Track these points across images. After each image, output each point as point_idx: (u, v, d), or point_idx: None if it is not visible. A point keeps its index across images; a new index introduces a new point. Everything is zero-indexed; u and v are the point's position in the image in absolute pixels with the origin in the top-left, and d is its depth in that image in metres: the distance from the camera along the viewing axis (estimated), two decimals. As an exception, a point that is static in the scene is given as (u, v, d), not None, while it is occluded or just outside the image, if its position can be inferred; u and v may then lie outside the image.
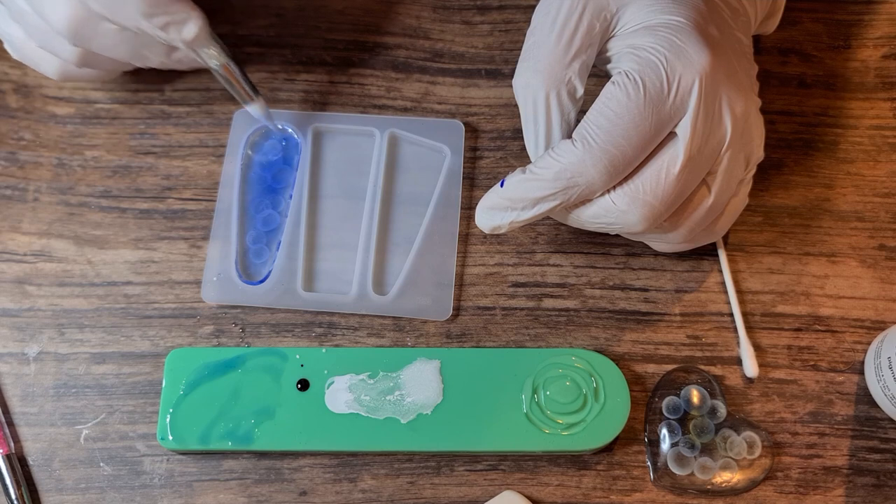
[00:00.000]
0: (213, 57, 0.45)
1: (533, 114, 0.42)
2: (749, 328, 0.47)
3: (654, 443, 0.45)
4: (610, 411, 0.44)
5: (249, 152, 0.51)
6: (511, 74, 0.52)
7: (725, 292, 0.48)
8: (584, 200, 0.41)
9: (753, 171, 0.44)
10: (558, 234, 0.49)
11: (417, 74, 0.53)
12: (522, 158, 0.50)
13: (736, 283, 0.48)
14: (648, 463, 0.45)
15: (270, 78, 0.53)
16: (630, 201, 0.40)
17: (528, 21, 0.43)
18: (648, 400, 0.46)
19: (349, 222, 0.49)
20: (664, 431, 0.45)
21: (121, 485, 0.45)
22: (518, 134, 0.51)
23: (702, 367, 0.47)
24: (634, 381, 0.47)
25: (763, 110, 0.44)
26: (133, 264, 0.49)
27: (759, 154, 0.43)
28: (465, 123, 0.51)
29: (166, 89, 0.53)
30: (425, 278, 0.48)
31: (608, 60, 0.42)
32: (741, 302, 0.48)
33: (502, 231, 0.42)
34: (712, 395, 0.45)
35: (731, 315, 0.48)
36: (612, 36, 0.42)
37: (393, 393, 0.45)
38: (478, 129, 0.52)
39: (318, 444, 0.44)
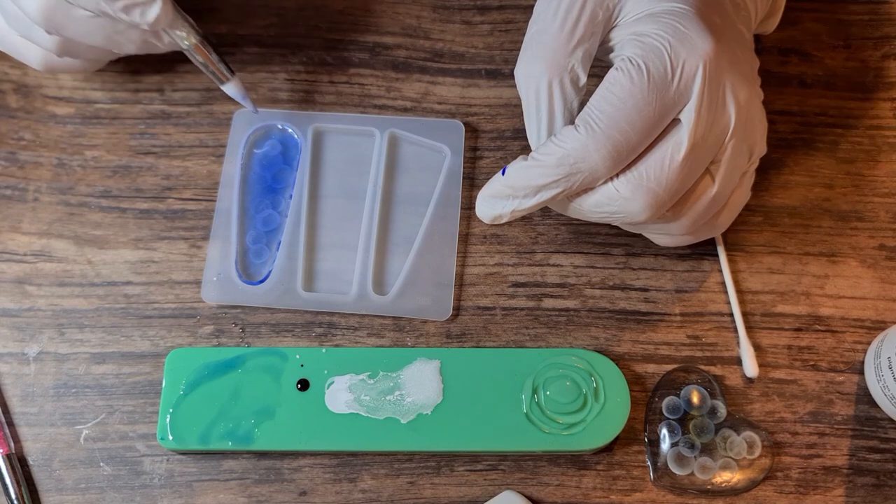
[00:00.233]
0: (183, 38, 0.45)
1: (535, 102, 0.42)
2: (749, 328, 0.47)
3: (654, 443, 0.45)
4: (610, 411, 0.44)
5: (250, 152, 0.51)
6: (511, 74, 0.52)
7: (725, 292, 0.48)
8: (586, 189, 0.41)
9: (756, 164, 0.44)
10: (558, 234, 0.49)
11: (417, 74, 0.53)
12: (522, 158, 0.50)
13: (736, 283, 0.48)
14: (648, 463, 0.45)
15: (270, 78, 0.53)
16: (633, 188, 0.40)
17: (528, 21, 0.43)
18: (648, 400, 0.46)
19: (349, 222, 0.49)
20: (664, 431, 0.45)
21: (121, 485, 0.45)
22: (518, 134, 0.51)
23: (702, 367, 0.47)
24: (634, 381, 0.46)
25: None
26: (133, 264, 0.49)
27: (761, 147, 0.43)
28: (465, 123, 0.51)
29: (166, 89, 0.53)
30: (425, 278, 0.48)
31: (611, 50, 0.42)
32: (741, 302, 0.48)
33: (503, 221, 0.42)
34: (712, 395, 0.45)
35: (731, 315, 0.48)
36: (615, 25, 0.42)
37: (393, 393, 0.45)
38: (478, 129, 0.52)
39: (318, 444, 0.44)
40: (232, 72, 0.47)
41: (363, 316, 0.48)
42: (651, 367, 0.47)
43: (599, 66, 0.42)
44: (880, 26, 0.54)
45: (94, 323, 0.48)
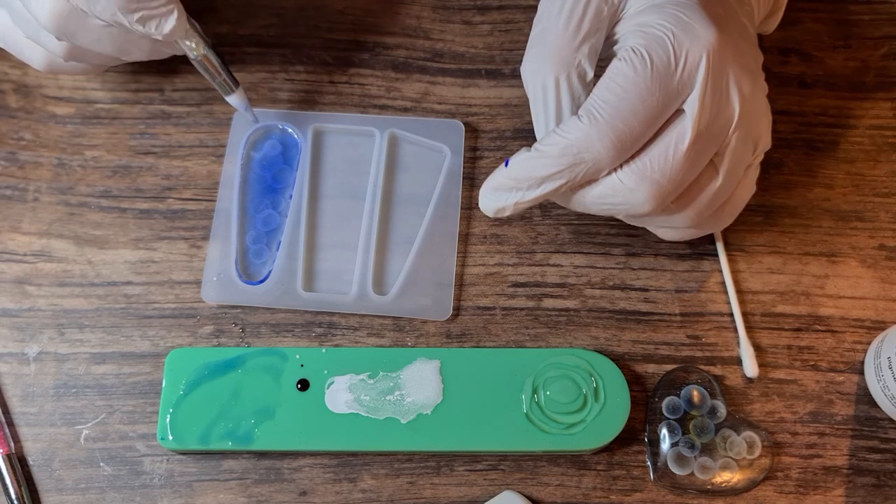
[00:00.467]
0: (192, 49, 0.45)
1: (542, 99, 0.41)
2: (749, 328, 0.47)
3: (654, 443, 0.45)
4: (610, 411, 0.44)
5: (249, 152, 0.51)
6: (511, 74, 0.52)
7: (725, 292, 0.48)
8: (589, 180, 0.41)
9: (761, 157, 0.44)
10: (558, 234, 0.49)
11: (417, 74, 0.53)
12: (522, 158, 0.50)
13: (736, 283, 0.48)
14: (648, 463, 0.45)
15: (270, 78, 0.53)
16: (638, 179, 0.40)
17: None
18: (648, 400, 0.46)
19: (349, 222, 0.49)
20: (664, 431, 0.45)
21: (121, 485, 0.45)
22: (518, 134, 0.51)
23: (702, 367, 0.47)
24: (634, 381, 0.46)
25: (764, 109, 0.44)
26: (133, 264, 0.49)
27: (766, 141, 0.43)
28: (465, 123, 0.51)
29: (166, 89, 0.53)
30: (425, 278, 0.48)
31: (616, 43, 0.42)
32: (741, 302, 0.48)
33: (506, 214, 0.42)
34: (712, 395, 0.45)
35: (731, 315, 0.48)
36: (620, 19, 0.42)
37: (393, 393, 0.45)
38: (478, 129, 0.52)
39: (318, 444, 0.44)
40: (237, 83, 0.48)
41: (363, 316, 0.48)
42: (651, 367, 0.47)
43: (604, 66, 0.42)
44: (881, 26, 0.54)
45: (94, 323, 0.48)
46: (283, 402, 0.45)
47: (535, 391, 0.45)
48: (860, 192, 0.50)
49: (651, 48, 0.39)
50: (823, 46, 0.53)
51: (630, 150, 0.40)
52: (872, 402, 0.46)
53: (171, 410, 0.45)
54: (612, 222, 0.49)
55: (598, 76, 0.41)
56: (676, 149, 0.40)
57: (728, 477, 0.44)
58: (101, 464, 0.45)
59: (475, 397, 0.45)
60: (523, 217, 0.50)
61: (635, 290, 0.48)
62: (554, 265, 0.49)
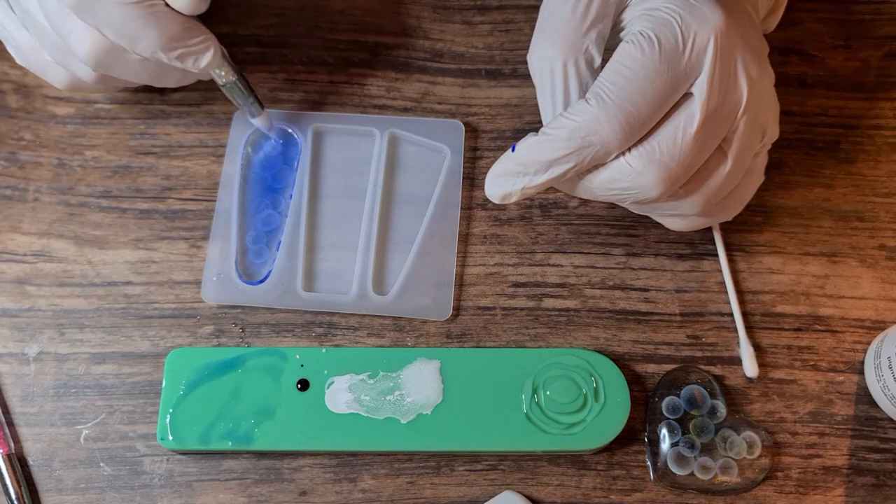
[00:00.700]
0: (222, 76, 0.46)
1: (550, 84, 0.41)
2: (749, 328, 0.47)
3: (654, 443, 0.45)
4: (610, 411, 0.44)
5: (249, 152, 0.51)
6: (511, 74, 0.52)
7: (725, 292, 0.48)
8: (597, 165, 0.40)
9: (769, 145, 0.44)
10: (558, 234, 0.49)
11: (417, 74, 0.53)
12: (522, 158, 0.50)
13: (736, 283, 0.48)
14: (648, 463, 0.45)
15: (270, 78, 0.53)
16: (646, 162, 0.39)
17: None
18: (648, 400, 0.46)
19: (349, 222, 0.49)
20: (664, 431, 0.45)
21: (121, 485, 0.45)
22: (518, 134, 0.51)
23: (702, 367, 0.47)
24: (634, 381, 0.46)
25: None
26: (133, 264, 0.49)
27: (774, 129, 0.43)
28: (465, 123, 0.51)
29: (166, 89, 0.52)
30: (425, 278, 0.48)
31: (623, 30, 0.42)
32: (741, 302, 0.48)
33: (513, 199, 0.41)
34: (712, 395, 0.45)
35: (731, 315, 0.48)
36: (627, 6, 0.41)
37: (393, 393, 0.45)
38: (478, 129, 0.52)
39: (318, 444, 0.44)
40: (262, 106, 0.48)
41: (363, 316, 0.48)
42: (651, 367, 0.47)
43: (611, 54, 0.42)
44: (881, 26, 0.54)
45: (94, 323, 0.48)
46: (283, 402, 0.45)
47: (535, 391, 0.45)
48: (860, 192, 0.50)
49: (659, 30, 0.39)
50: (824, 46, 0.53)
51: (638, 132, 0.39)
52: (872, 402, 0.46)
53: (171, 410, 0.45)
54: (612, 222, 0.49)
55: (605, 63, 0.41)
56: (685, 131, 0.39)
57: (728, 477, 0.44)
58: (101, 464, 0.45)
59: (475, 397, 0.45)
60: (523, 217, 0.50)
61: (635, 290, 0.48)
62: (554, 265, 0.49)
